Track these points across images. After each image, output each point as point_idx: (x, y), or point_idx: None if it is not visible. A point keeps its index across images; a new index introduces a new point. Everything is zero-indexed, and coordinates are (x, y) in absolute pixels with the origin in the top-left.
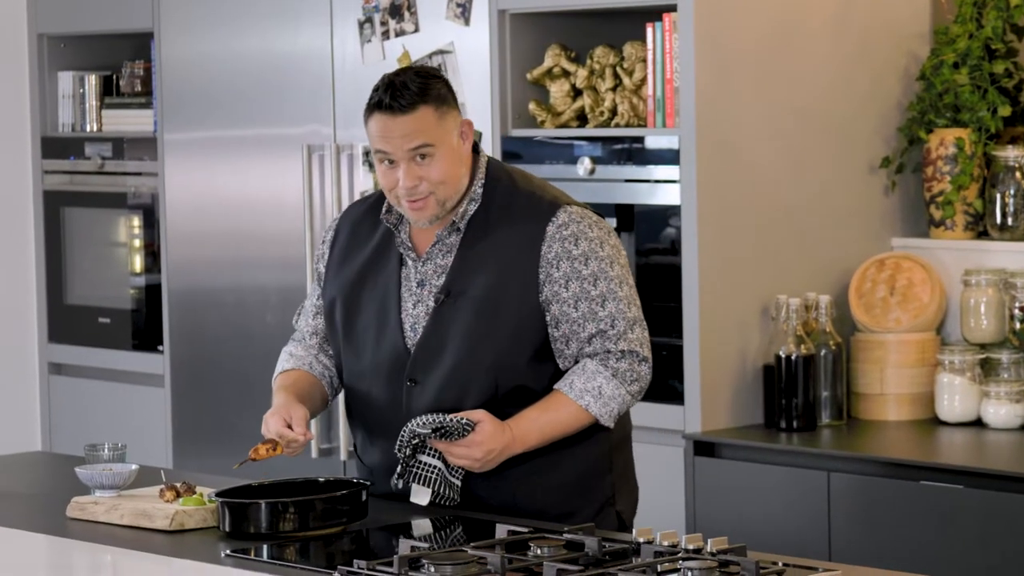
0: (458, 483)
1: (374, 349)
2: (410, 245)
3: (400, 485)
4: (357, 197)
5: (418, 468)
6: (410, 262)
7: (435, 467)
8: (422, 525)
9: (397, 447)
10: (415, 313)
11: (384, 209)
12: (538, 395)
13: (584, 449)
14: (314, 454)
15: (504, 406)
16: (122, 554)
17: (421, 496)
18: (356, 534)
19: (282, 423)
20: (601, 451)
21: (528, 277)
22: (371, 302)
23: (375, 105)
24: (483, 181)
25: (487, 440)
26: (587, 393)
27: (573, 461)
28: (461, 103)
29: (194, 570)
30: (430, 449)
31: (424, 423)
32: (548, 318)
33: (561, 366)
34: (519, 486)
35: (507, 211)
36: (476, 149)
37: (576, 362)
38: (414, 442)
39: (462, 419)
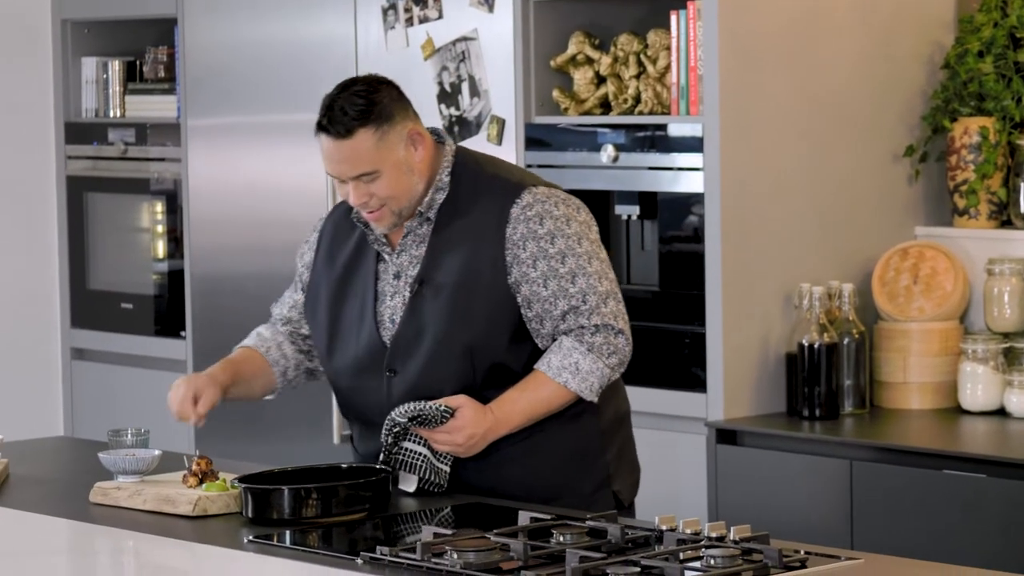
0: (446, 469)
1: (355, 344)
2: (384, 240)
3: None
4: None
5: (403, 455)
6: (386, 256)
7: (420, 454)
8: (444, 512)
9: (382, 436)
10: (393, 305)
11: (340, 204)
12: (518, 376)
13: (571, 431)
14: (336, 440)
15: (484, 389)
16: (145, 539)
17: (408, 483)
18: (379, 520)
19: (190, 396)
20: (590, 432)
21: (496, 260)
22: (353, 299)
23: (318, 127)
24: (449, 169)
25: (468, 424)
26: (564, 370)
27: (560, 443)
28: (484, 90)
29: (217, 556)
30: (415, 436)
31: (403, 412)
32: (520, 299)
33: (540, 345)
34: (506, 469)
35: (474, 196)
36: (441, 140)
37: (553, 340)
38: (395, 431)
39: (440, 406)
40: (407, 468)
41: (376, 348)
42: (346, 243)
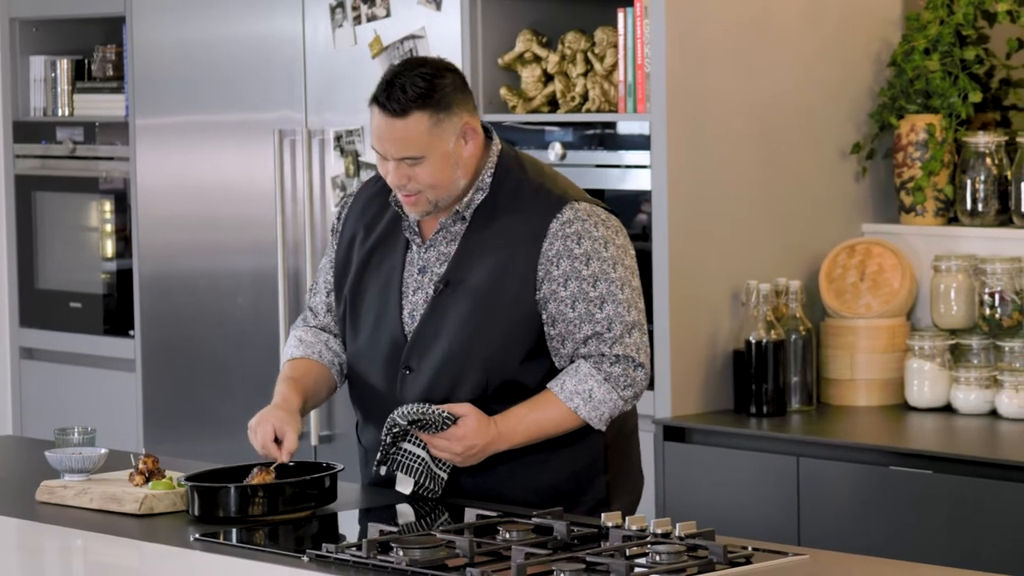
0: (443, 476)
1: (373, 332)
2: (416, 230)
3: (383, 472)
4: (328, 182)
5: (402, 456)
6: (415, 247)
7: (420, 457)
8: (391, 510)
9: (382, 435)
10: (414, 300)
11: (373, 183)
12: (530, 392)
13: (575, 450)
14: (314, 441)
15: (494, 402)
16: (92, 538)
17: (404, 485)
18: (325, 518)
19: (270, 438)
20: (593, 452)
21: (527, 272)
22: (375, 284)
23: (373, 99)
24: (492, 171)
25: (469, 435)
26: (577, 395)
27: (563, 461)
28: None
29: (163, 554)
30: (415, 438)
31: (404, 414)
32: (545, 316)
33: (556, 364)
34: (506, 484)
35: (514, 202)
36: (490, 136)
37: (571, 361)
38: (394, 431)
39: (444, 412)
40: (404, 470)
41: (397, 341)
42: (375, 224)
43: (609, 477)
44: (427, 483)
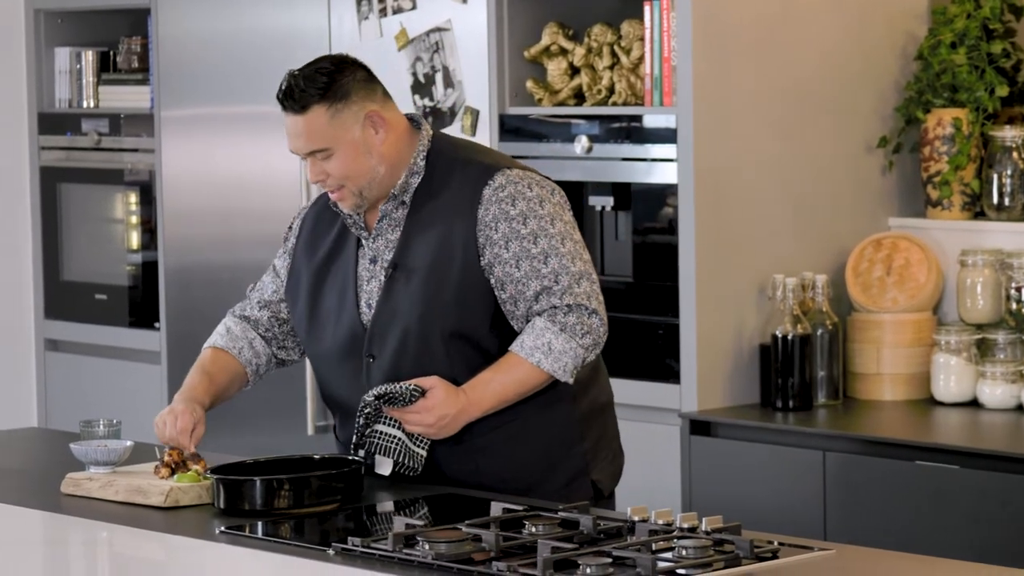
0: (422, 453)
1: (335, 328)
2: (363, 224)
3: (361, 455)
4: None
5: (377, 438)
6: (364, 240)
7: (395, 437)
8: (417, 503)
9: (356, 418)
10: (369, 289)
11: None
12: (496, 360)
13: (546, 420)
14: (310, 431)
15: (462, 375)
16: (117, 530)
17: (383, 466)
18: (351, 511)
19: (188, 430)
20: (566, 422)
21: (468, 241)
22: (333, 285)
23: (277, 100)
24: (425, 153)
25: (439, 405)
26: (537, 350)
27: (535, 432)
28: (458, 81)
29: (189, 547)
30: (389, 419)
31: (373, 392)
32: (493, 281)
33: (516, 329)
34: (481, 457)
35: (448, 179)
36: (417, 125)
37: (527, 322)
38: (366, 411)
39: (410, 385)
40: (382, 451)
41: (357, 332)
42: (329, 230)
43: (586, 447)
44: (406, 461)
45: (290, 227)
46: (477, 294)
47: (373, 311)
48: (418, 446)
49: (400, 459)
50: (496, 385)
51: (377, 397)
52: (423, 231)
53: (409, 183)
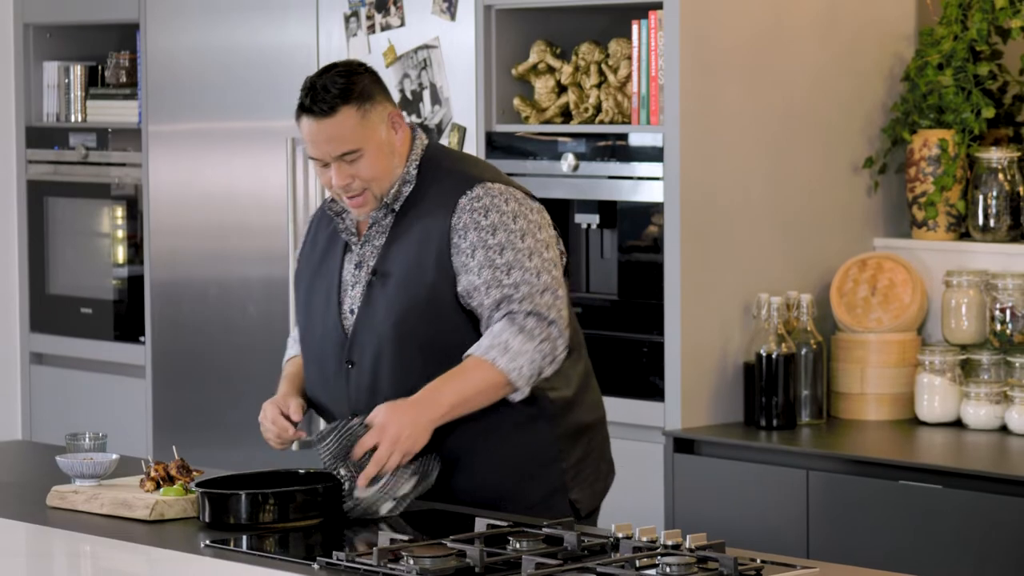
0: (410, 477)
1: (321, 332)
2: (353, 230)
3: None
4: None
5: (369, 498)
6: (352, 246)
7: (382, 484)
8: (401, 518)
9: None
10: (353, 295)
11: (328, 198)
12: None
13: (523, 437)
14: (295, 447)
15: None
16: (102, 543)
17: (391, 510)
18: (336, 525)
19: (278, 411)
20: (543, 439)
21: (442, 250)
22: (321, 289)
23: (299, 108)
24: (417, 163)
25: (387, 421)
26: (493, 348)
27: (511, 449)
28: (446, 98)
29: (173, 560)
30: (348, 471)
31: (330, 450)
32: (459, 289)
33: None
34: (451, 471)
35: (432, 187)
36: (415, 132)
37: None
38: (342, 480)
39: (359, 422)
40: (379, 503)
41: (339, 337)
42: (323, 236)
43: (566, 466)
44: (408, 493)
45: (308, 227)
46: (452, 304)
47: (355, 317)
48: (404, 476)
49: (398, 496)
50: (451, 385)
51: (336, 457)
52: (405, 238)
53: (401, 192)
